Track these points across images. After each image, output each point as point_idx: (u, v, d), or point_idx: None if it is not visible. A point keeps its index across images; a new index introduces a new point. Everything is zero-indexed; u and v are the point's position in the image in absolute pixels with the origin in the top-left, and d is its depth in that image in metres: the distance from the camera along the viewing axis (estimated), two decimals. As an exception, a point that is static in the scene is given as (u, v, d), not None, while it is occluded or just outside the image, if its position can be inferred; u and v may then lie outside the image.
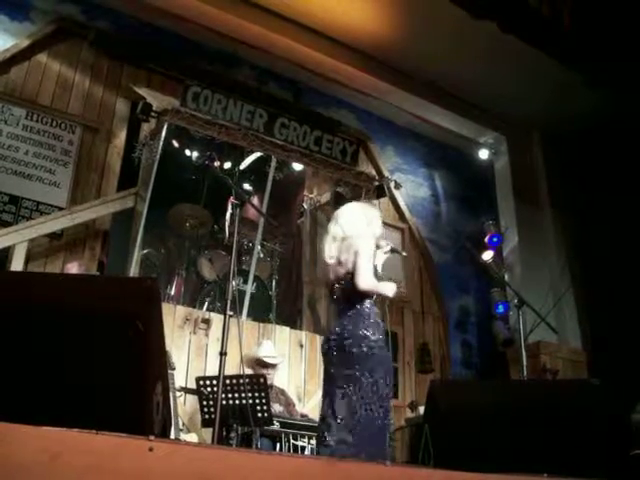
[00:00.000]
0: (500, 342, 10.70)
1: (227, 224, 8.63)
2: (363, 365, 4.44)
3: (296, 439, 6.24)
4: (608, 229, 10.81)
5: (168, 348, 6.55)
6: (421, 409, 7.76)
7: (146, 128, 8.59)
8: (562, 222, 11.87)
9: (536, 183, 12.06)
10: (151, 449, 1.70)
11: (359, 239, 4.83)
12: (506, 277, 11.10)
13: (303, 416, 7.05)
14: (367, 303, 4.80)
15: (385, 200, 10.72)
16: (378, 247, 5.01)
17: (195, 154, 9.17)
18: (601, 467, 2.91)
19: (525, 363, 5.76)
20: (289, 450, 6.00)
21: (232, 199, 5.21)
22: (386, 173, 10.77)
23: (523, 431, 2.81)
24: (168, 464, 1.70)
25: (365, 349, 4.51)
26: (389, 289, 4.88)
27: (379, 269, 4.98)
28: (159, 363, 2.42)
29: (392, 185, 10.51)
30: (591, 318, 11.28)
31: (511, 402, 2.92)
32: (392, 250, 5.24)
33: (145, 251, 8.69)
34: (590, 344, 11.16)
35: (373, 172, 10.39)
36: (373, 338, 4.59)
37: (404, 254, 5.44)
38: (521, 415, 2.85)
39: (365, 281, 4.67)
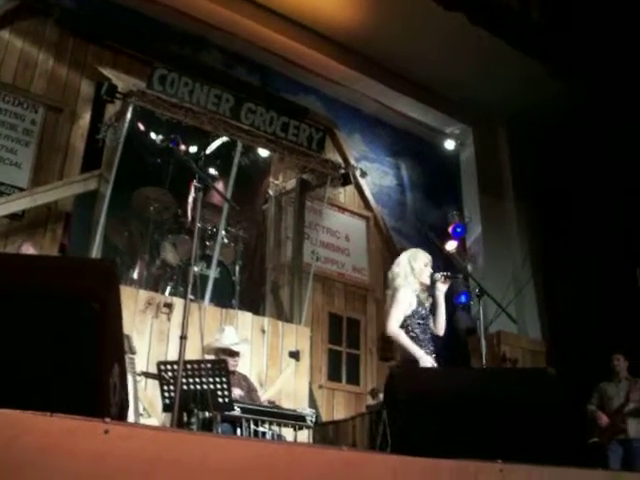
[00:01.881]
0: (461, 331, 10.78)
1: (189, 208, 8.57)
2: None
3: (257, 425, 6.23)
4: (570, 221, 10.92)
5: (129, 332, 6.51)
6: (382, 396, 7.79)
7: (111, 109, 8.50)
8: (525, 214, 11.98)
9: (501, 175, 12.16)
10: (107, 431, 1.68)
11: (398, 289, 5.36)
12: (469, 267, 11.19)
13: (271, 402, 7.05)
14: None
15: (350, 188, 10.75)
16: (434, 282, 5.42)
17: (160, 137, 9.07)
18: (557, 454, 2.94)
19: (485, 352, 5.80)
20: (250, 436, 5.99)
21: (195, 183, 5.17)
22: (352, 161, 10.78)
23: (480, 418, 2.83)
24: (124, 447, 1.69)
25: None
26: (416, 353, 5.19)
27: (441, 299, 5.43)
28: (116, 345, 2.40)
29: (358, 173, 10.52)
30: (551, 309, 11.41)
31: (469, 389, 2.94)
32: (447, 277, 5.52)
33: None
34: (549, 335, 11.29)
35: (339, 160, 10.39)
36: None
37: (460, 276, 5.63)
38: (478, 402, 2.87)
39: (390, 329, 5.23)
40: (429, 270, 5.51)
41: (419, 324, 5.36)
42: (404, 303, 5.30)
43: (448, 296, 11.17)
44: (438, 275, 5.49)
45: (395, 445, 2.77)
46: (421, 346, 5.25)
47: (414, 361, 5.14)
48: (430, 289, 5.48)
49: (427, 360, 5.12)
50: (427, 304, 5.48)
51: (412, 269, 5.44)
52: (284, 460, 1.77)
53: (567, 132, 10.99)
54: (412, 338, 5.26)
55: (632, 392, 8.30)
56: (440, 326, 5.48)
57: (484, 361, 5.67)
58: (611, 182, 10.15)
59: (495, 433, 2.84)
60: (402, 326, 5.30)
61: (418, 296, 5.44)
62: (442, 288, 5.46)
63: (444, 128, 12.23)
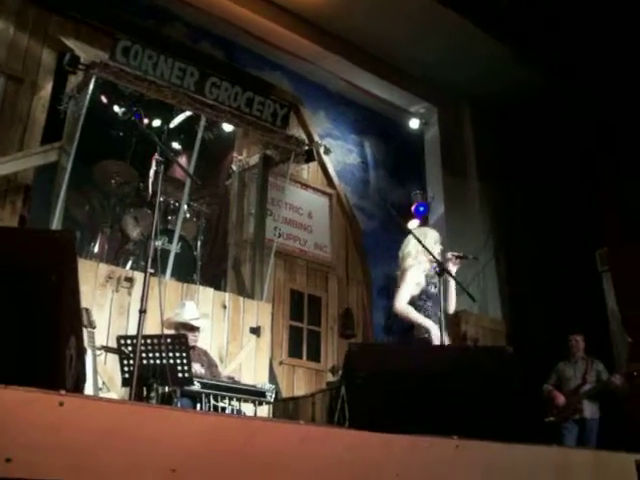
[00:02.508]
0: (422, 310, 10.84)
1: (151, 182, 8.51)
2: None
3: (217, 400, 6.23)
4: (532, 202, 11.03)
5: (89, 306, 6.46)
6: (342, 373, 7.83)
7: (73, 81, 8.37)
8: (488, 194, 12.06)
9: (464, 155, 12.21)
10: (62, 403, 1.67)
11: (407, 270, 5.53)
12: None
13: (229, 378, 7.05)
14: None
15: (314, 165, 10.74)
16: (447, 261, 5.52)
17: (123, 110, 8.97)
18: (512, 431, 2.99)
19: (446, 331, 5.84)
20: (209, 411, 5.99)
21: (157, 156, 5.13)
22: (316, 138, 10.75)
23: (437, 395, 2.86)
24: (79, 419, 1.68)
25: None
26: (425, 324, 5.38)
27: (452, 279, 5.52)
28: (73, 318, 2.39)
29: (322, 150, 10.51)
30: (512, 289, 11.52)
31: (426, 366, 2.97)
32: (458, 257, 5.60)
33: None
34: (510, 314, 11.41)
35: (303, 136, 10.36)
36: None
37: (471, 257, 5.68)
38: (436, 379, 2.90)
39: (399, 307, 5.40)
40: (439, 247, 5.64)
41: (428, 303, 5.50)
42: (411, 284, 5.45)
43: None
44: (449, 254, 5.59)
45: (352, 420, 2.79)
46: (433, 323, 5.39)
47: (427, 340, 5.29)
48: (440, 267, 5.47)
49: (436, 330, 5.25)
50: (436, 282, 5.54)
51: (423, 247, 5.49)
52: (241, 434, 1.78)
53: (530, 114, 11.08)
54: (426, 315, 5.42)
55: (588, 373, 8.44)
56: (451, 304, 5.63)
57: (444, 339, 5.72)
58: (572, 165, 10.24)
59: (452, 410, 2.87)
60: (412, 305, 5.44)
61: (427, 275, 5.55)
62: (452, 267, 5.54)
63: (409, 107, 12.24)
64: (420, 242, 5.39)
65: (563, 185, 10.43)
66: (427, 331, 5.31)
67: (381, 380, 2.78)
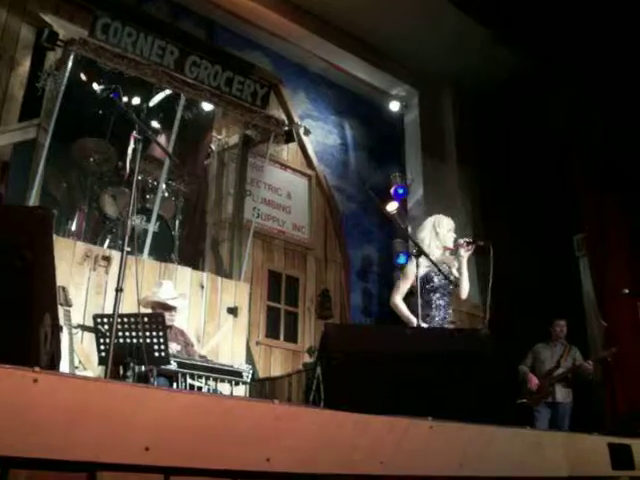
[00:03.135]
0: (400, 292, 10.88)
1: (128, 160, 8.45)
2: None
3: (193, 379, 6.23)
4: (511, 187, 11.06)
5: (66, 284, 6.43)
6: (319, 353, 7.85)
7: (52, 57, 8.29)
8: (467, 178, 12.09)
9: (444, 138, 12.23)
10: (35, 380, 1.67)
11: (411, 261, 5.59)
12: (409, 229, 11.26)
13: (202, 357, 7.04)
14: None
15: (293, 146, 10.72)
16: (459, 247, 5.63)
17: (102, 87, 8.88)
18: (486, 412, 3.01)
19: (421, 313, 5.87)
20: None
21: (135, 134, 5.08)
22: (296, 119, 10.73)
23: (413, 376, 2.87)
24: (53, 396, 1.67)
25: None
26: (410, 320, 5.51)
27: (464, 265, 5.64)
28: (48, 295, 2.37)
29: (301, 131, 10.50)
30: (484, 274, 11.55)
31: (402, 347, 2.98)
32: (469, 243, 5.66)
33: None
34: (488, 298, 11.43)
35: (283, 117, 10.33)
36: None
37: (480, 243, 5.75)
38: (411, 360, 2.91)
39: (392, 299, 5.61)
40: (452, 235, 5.72)
41: (434, 294, 5.60)
42: (410, 278, 5.55)
43: (387, 256, 11.35)
44: (461, 241, 5.66)
45: (328, 400, 2.80)
46: (440, 313, 5.57)
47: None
48: (454, 254, 5.69)
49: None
50: (453, 267, 5.71)
51: (437, 234, 5.69)
52: (215, 412, 1.78)
53: (510, 98, 11.09)
54: (431, 306, 5.57)
55: (565, 358, 8.51)
56: (464, 290, 5.72)
57: (420, 322, 5.75)
58: (551, 150, 10.28)
59: (427, 391, 2.89)
60: (421, 296, 5.47)
61: (440, 261, 5.63)
62: (464, 253, 5.64)
63: (390, 89, 12.23)
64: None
65: (542, 170, 10.46)
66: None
67: (357, 361, 2.79)
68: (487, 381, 3.11)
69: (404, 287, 5.59)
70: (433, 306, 5.55)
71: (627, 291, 8.33)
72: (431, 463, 2.24)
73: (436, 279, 5.56)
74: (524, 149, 10.95)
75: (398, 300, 5.57)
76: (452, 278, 5.62)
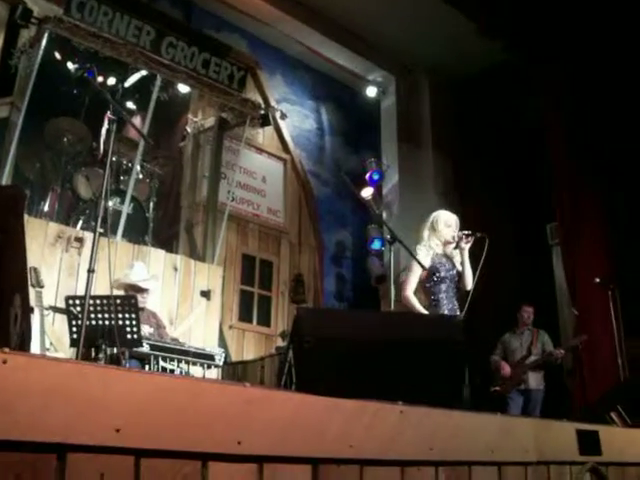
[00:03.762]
0: (373, 278, 10.92)
1: (102, 140, 8.39)
2: None
3: (165, 362, 6.22)
4: (485, 174, 11.10)
5: (38, 265, 6.39)
6: (291, 338, 7.86)
7: (26, 35, 8.20)
8: (442, 165, 12.10)
9: (420, 124, 12.22)
10: (5, 361, 1.65)
11: (415, 254, 5.61)
12: (383, 214, 11.29)
13: (174, 340, 7.03)
14: None
15: (269, 129, 10.70)
16: (459, 240, 5.71)
17: (76, 67, 8.79)
18: (459, 399, 3.03)
19: (394, 299, 5.89)
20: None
21: (109, 114, 5.05)
22: (273, 102, 10.70)
23: (384, 360, 2.89)
24: (22, 377, 1.67)
25: None
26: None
27: (466, 257, 5.71)
28: (18, 275, 2.35)
29: (278, 115, 10.47)
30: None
31: (374, 332, 2.99)
32: (467, 236, 5.73)
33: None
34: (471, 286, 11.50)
35: (260, 100, 10.30)
36: None
37: (478, 235, 5.81)
38: (383, 345, 2.93)
39: (404, 294, 5.63)
40: (452, 230, 5.79)
41: (439, 286, 5.67)
42: (417, 270, 5.62)
43: (362, 242, 11.38)
44: (459, 234, 5.75)
45: (299, 384, 2.81)
46: (447, 304, 5.61)
47: None
48: (456, 247, 5.78)
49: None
50: (456, 260, 5.79)
51: (434, 230, 5.79)
52: (186, 395, 1.78)
53: (486, 87, 11.12)
54: (438, 297, 5.62)
55: (534, 344, 8.58)
56: (467, 281, 5.74)
57: (392, 307, 5.78)
58: (526, 137, 10.32)
59: (398, 375, 2.90)
60: (427, 288, 5.69)
61: (443, 255, 5.76)
62: (464, 245, 5.71)
63: (367, 75, 12.21)
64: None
65: (516, 158, 10.51)
66: None
67: (329, 345, 2.80)
68: (457, 366, 3.14)
69: (412, 280, 5.66)
70: (440, 297, 5.62)
71: (599, 280, 8.39)
72: (401, 447, 2.25)
73: (442, 270, 5.65)
74: (500, 136, 10.98)
75: (409, 294, 5.63)
76: (454, 272, 5.73)
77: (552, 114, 9.95)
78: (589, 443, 3.17)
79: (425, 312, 5.50)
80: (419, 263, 5.48)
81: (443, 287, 5.65)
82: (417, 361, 2.96)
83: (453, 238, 5.74)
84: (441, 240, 5.76)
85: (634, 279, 8.87)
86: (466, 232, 5.76)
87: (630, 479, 3.46)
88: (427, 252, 5.67)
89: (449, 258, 5.76)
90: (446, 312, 5.51)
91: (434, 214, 5.94)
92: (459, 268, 5.75)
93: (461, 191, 11.87)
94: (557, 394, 8.84)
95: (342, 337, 2.88)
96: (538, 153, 9.92)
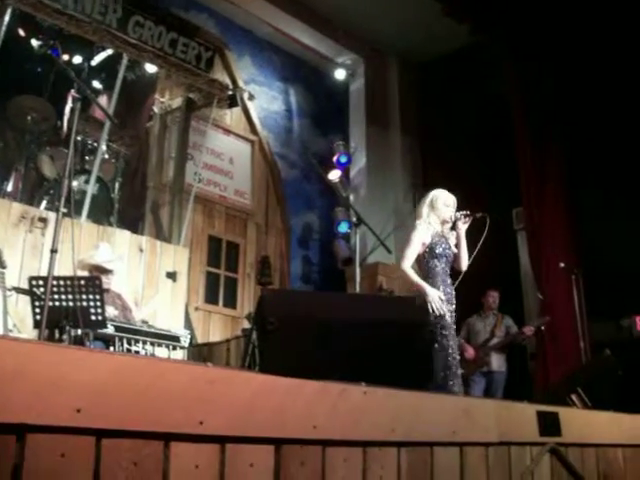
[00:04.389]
0: (340, 260, 10.94)
1: (66, 119, 8.29)
2: None
3: (130, 344, 6.19)
4: (452, 157, 11.15)
5: (0, 246, 6.30)
6: (257, 319, 7.86)
7: (-13, 11, 8.07)
8: (410, 148, 12.15)
9: (388, 108, 12.24)
10: (-36, 341, 1.64)
11: (413, 229, 5.71)
12: (351, 197, 11.31)
13: (144, 322, 7.00)
14: None
15: (237, 111, 10.65)
16: (457, 220, 5.74)
17: (40, 44, 8.66)
18: (420, 379, 3.05)
19: (359, 281, 5.92)
20: (121, 354, 5.94)
21: (73, 93, 4.98)
22: (241, 83, 10.64)
23: (348, 342, 2.90)
24: (-18, 357, 1.65)
25: None
26: (422, 285, 5.53)
27: (462, 237, 5.77)
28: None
29: (246, 96, 10.43)
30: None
31: (338, 313, 3.00)
32: (466, 216, 5.77)
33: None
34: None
35: (227, 81, 10.24)
36: None
37: (478, 215, 5.82)
38: (348, 326, 2.94)
39: (403, 265, 5.61)
40: (451, 210, 5.78)
41: (435, 261, 5.66)
42: (417, 244, 5.64)
43: (329, 225, 11.39)
44: (457, 214, 5.75)
45: (263, 365, 2.81)
46: (442, 281, 5.62)
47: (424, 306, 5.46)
48: (453, 227, 5.80)
49: (434, 292, 5.45)
50: (451, 241, 5.79)
51: (433, 208, 5.77)
52: (148, 375, 1.77)
53: (454, 70, 11.15)
54: (434, 273, 5.63)
55: (498, 328, 8.67)
56: (462, 262, 5.81)
57: (357, 290, 5.79)
58: (493, 121, 10.36)
59: (363, 357, 2.91)
60: (424, 263, 5.69)
61: (440, 234, 5.75)
62: (462, 226, 5.76)
63: (336, 57, 12.19)
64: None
65: (482, 142, 10.55)
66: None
67: (292, 326, 2.80)
68: (421, 349, 3.16)
69: (411, 254, 5.64)
70: (437, 272, 5.63)
71: (563, 265, 8.48)
72: (364, 428, 2.27)
73: (439, 247, 5.66)
74: (467, 119, 11.02)
75: (407, 267, 5.62)
76: (450, 251, 5.74)
77: (517, 98, 10.00)
78: (549, 424, 3.21)
79: (424, 284, 5.50)
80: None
81: (440, 264, 5.66)
82: (381, 342, 2.98)
83: (451, 218, 5.76)
84: (439, 219, 5.76)
85: (599, 264, 8.98)
86: (464, 212, 5.78)
87: (588, 459, 3.52)
88: (427, 228, 5.70)
89: (445, 238, 5.77)
90: (441, 289, 5.52)
91: (433, 192, 5.91)
92: (454, 249, 5.76)
93: (428, 174, 11.93)
94: (519, 377, 8.94)
95: (305, 318, 2.89)
96: (505, 137, 9.98)
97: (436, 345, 5.30)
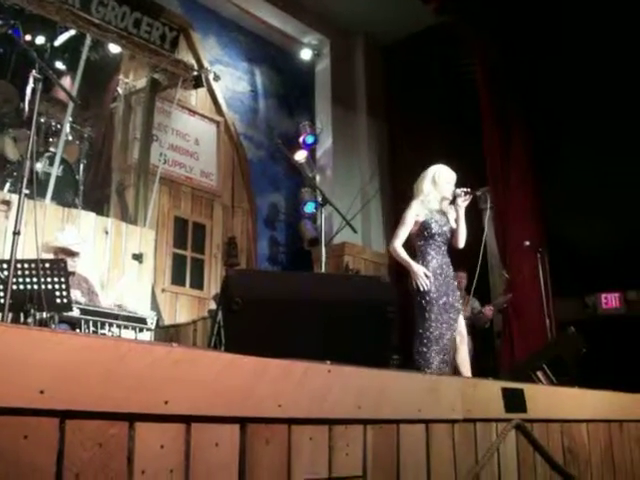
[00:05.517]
0: (306, 241, 10.95)
1: (28, 100, 8.20)
2: None
3: (96, 326, 6.16)
4: (418, 138, 11.18)
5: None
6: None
7: (-56, -11, 7.94)
8: (376, 128, 12.17)
9: (354, 88, 12.25)
10: None
11: (408, 208, 5.73)
12: (317, 178, 11.31)
13: (118, 305, 6.97)
14: None
15: (202, 91, 10.59)
16: (456, 197, 5.73)
17: (1, 24, 8.54)
18: (384, 358, 3.08)
19: (325, 261, 5.93)
20: (88, 337, 5.91)
21: (34, 73, 4.92)
22: (206, 64, 10.56)
23: (313, 321, 2.91)
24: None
25: None
26: (411, 265, 5.61)
27: (462, 215, 5.75)
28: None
29: (211, 77, 10.37)
30: (395, 223, 11.71)
31: (304, 293, 3.01)
32: (466, 193, 5.76)
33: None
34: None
35: (192, 61, 10.18)
36: None
37: (478, 193, 5.83)
38: (313, 305, 2.95)
39: (394, 244, 5.68)
40: (452, 187, 5.78)
41: (430, 240, 5.68)
42: (409, 223, 5.66)
43: (295, 205, 11.39)
44: (458, 191, 5.74)
45: (228, 345, 2.82)
46: (435, 257, 5.64)
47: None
48: (451, 203, 5.81)
49: (418, 268, 5.52)
50: (450, 216, 5.81)
51: (435, 184, 5.78)
52: (111, 355, 1.76)
53: (421, 50, 11.17)
54: (424, 251, 5.67)
55: (464, 309, 8.72)
56: (460, 239, 5.79)
57: (323, 269, 5.81)
58: (458, 103, 10.40)
59: (327, 336, 2.93)
60: (415, 240, 5.73)
61: (439, 210, 5.77)
62: (462, 204, 5.74)
63: (301, 37, 12.15)
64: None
65: (450, 122, 10.59)
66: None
67: (257, 305, 2.80)
68: (387, 326, 3.17)
69: (402, 233, 5.67)
70: (428, 251, 5.65)
71: (528, 243, 8.55)
72: (329, 406, 2.28)
73: (435, 227, 5.66)
74: (434, 100, 11.06)
75: (397, 245, 5.66)
76: (447, 228, 5.75)
77: (483, 78, 10.03)
78: (514, 401, 3.25)
79: (414, 263, 5.55)
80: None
81: (432, 244, 5.67)
82: (346, 321, 2.99)
83: (451, 195, 5.76)
84: (440, 195, 5.77)
85: (564, 242, 9.08)
86: (465, 189, 5.78)
87: (553, 435, 3.56)
88: (421, 206, 5.70)
89: (444, 214, 5.78)
90: (431, 269, 5.54)
91: (435, 168, 5.92)
92: (453, 225, 5.78)
93: (394, 154, 11.96)
94: (486, 355, 9.03)
95: (271, 298, 2.89)
96: (472, 118, 10.01)
97: (419, 319, 5.46)
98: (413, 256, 5.68)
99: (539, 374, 5.57)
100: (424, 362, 5.40)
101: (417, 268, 5.51)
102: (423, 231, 5.65)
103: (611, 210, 9.50)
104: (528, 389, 3.44)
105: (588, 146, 9.37)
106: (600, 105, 9.14)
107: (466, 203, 5.79)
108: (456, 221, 5.78)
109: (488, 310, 8.53)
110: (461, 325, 5.70)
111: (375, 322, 3.05)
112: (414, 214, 5.68)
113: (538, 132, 9.83)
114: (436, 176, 5.82)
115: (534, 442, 3.27)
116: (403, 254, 5.63)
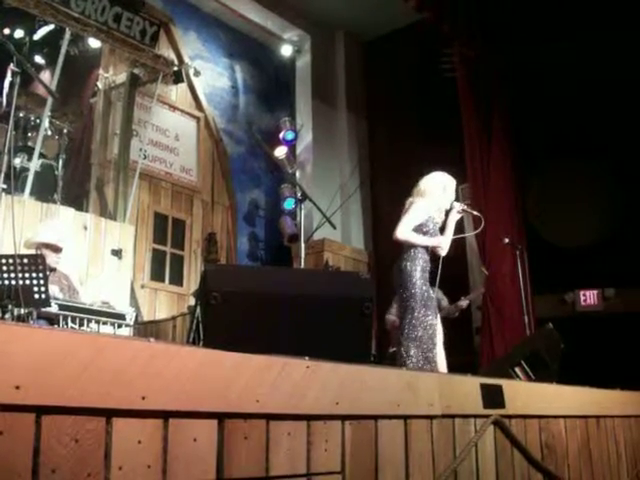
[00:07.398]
0: (286, 237, 10.95)
1: (5, 93, 8.15)
2: None
3: (75, 322, 6.13)
4: (399, 134, 11.20)
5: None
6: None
7: None
8: (356, 125, 12.19)
9: (335, 85, 12.26)
10: None
11: (421, 199, 5.76)
12: (297, 174, 11.31)
13: (105, 303, 6.93)
14: None
15: (183, 87, 10.57)
16: (452, 209, 5.82)
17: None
18: (360, 354, 3.08)
19: (304, 258, 5.92)
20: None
21: (12, 67, 4.88)
22: (186, 59, 10.54)
23: (293, 316, 2.91)
24: None
25: None
26: (432, 242, 5.70)
27: (452, 225, 5.82)
28: None
29: (191, 72, 10.35)
30: (375, 221, 11.75)
31: (282, 288, 3.01)
32: (464, 210, 5.93)
33: None
34: (373, 245, 11.67)
35: (173, 56, 10.15)
36: None
37: (475, 213, 5.86)
38: (292, 301, 2.95)
39: (402, 233, 5.61)
40: (453, 197, 5.87)
41: (427, 234, 5.70)
42: (419, 217, 5.69)
43: (275, 201, 11.40)
44: (457, 204, 5.87)
45: (206, 340, 2.81)
46: (422, 257, 5.64)
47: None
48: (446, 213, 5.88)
49: (444, 242, 5.72)
50: (438, 225, 5.83)
51: (445, 192, 5.83)
52: (88, 350, 1.76)
53: (401, 46, 11.19)
54: (414, 249, 5.64)
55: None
56: (445, 247, 5.79)
57: (303, 266, 5.81)
58: (439, 99, 10.40)
59: (305, 332, 2.93)
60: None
61: (432, 218, 5.78)
62: (455, 216, 5.84)
63: (282, 33, 12.14)
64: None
65: (430, 119, 10.61)
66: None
67: (236, 300, 2.80)
68: (365, 322, 3.18)
69: (411, 222, 5.68)
70: (420, 250, 5.65)
71: (507, 240, 8.58)
72: (308, 402, 2.28)
73: (430, 224, 5.71)
74: (414, 98, 11.08)
75: (408, 232, 5.64)
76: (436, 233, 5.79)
77: (462, 75, 10.03)
78: (493, 397, 3.26)
79: (436, 239, 5.66)
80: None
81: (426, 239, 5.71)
82: (324, 317, 3.00)
83: (450, 205, 5.84)
84: (443, 203, 5.83)
85: (544, 239, 9.12)
86: (465, 207, 5.94)
87: (531, 431, 3.59)
88: (426, 207, 5.73)
89: (434, 221, 5.81)
90: (420, 267, 5.57)
91: (446, 177, 5.95)
92: (438, 233, 5.81)
93: (375, 151, 11.99)
94: (464, 351, 9.05)
95: (249, 293, 2.89)
96: (452, 115, 10.03)
97: (405, 315, 5.51)
98: (401, 251, 5.71)
99: (517, 370, 5.60)
100: (406, 357, 5.41)
101: (437, 241, 5.65)
102: (418, 230, 5.67)
103: (590, 208, 9.57)
104: (507, 385, 3.46)
105: (569, 144, 9.43)
106: (582, 101, 9.20)
107: (458, 216, 5.89)
108: (442, 230, 5.83)
109: (462, 302, 8.53)
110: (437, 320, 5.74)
111: (353, 318, 3.05)
112: (420, 211, 5.71)
113: (519, 129, 9.87)
114: (447, 186, 5.88)
115: (512, 438, 3.29)
116: (419, 236, 5.63)
